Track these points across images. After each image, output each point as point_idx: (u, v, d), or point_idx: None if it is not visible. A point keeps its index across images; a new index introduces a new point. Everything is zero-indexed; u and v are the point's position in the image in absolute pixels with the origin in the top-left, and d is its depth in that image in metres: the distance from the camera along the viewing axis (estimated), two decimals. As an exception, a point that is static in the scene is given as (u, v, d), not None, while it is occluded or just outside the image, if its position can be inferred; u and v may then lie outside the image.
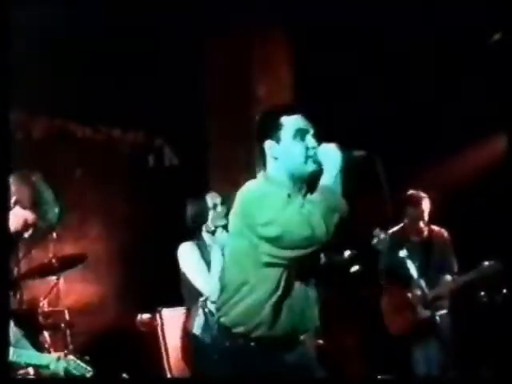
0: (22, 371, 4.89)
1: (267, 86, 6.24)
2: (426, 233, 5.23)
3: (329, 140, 2.83)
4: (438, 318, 4.85)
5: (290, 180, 2.84)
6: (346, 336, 6.49)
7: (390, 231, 5.29)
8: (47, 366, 3.65)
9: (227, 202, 4.16)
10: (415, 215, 5.17)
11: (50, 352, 4.91)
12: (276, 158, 2.84)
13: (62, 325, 5.26)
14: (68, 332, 5.21)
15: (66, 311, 5.33)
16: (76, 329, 5.32)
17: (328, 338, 6.29)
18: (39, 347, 5.05)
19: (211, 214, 4.23)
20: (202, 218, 4.22)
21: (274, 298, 2.73)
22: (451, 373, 4.90)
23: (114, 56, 5.95)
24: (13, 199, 3.22)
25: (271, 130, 2.84)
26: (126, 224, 6.26)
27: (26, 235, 3.40)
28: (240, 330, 2.78)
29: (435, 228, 5.28)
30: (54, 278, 5.45)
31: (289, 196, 2.72)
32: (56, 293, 5.48)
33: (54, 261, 5.32)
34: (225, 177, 6.08)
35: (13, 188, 3.22)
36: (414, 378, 5.14)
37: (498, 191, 5.72)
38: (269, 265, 2.71)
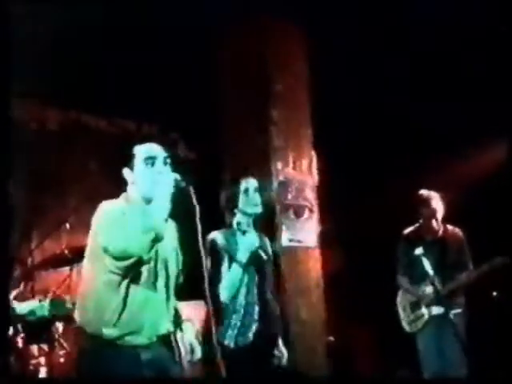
0: (33, 361, 4.96)
1: (283, 81, 6.21)
2: (440, 232, 5.28)
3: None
4: (452, 315, 4.84)
5: (143, 200, 3.16)
6: (358, 333, 6.48)
7: (406, 231, 5.34)
8: (33, 312, 3.71)
9: (263, 189, 4.15)
10: (428, 214, 5.21)
11: None
12: (132, 183, 3.21)
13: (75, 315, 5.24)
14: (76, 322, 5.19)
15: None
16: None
17: (339, 334, 6.32)
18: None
19: (241, 198, 4.01)
20: (232, 201, 4.04)
21: (114, 302, 3.04)
22: (464, 371, 4.87)
23: (131, 49, 5.93)
24: None
25: (127, 159, 3.22)
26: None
27: None
28: (91, 329, 3.08)
29: (450, 227, 5.32)
30: (67, 268, 5.44)
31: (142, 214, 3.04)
32: (68, 283, 5.47)
33: (66, 251, 5.32)
34: (239, 170, 6.05)
35: None
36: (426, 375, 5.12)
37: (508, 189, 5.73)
38: (110, 272, 3.05)
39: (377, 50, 6.13)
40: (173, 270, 3.25)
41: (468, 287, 5.16)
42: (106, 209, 3.15)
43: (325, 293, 6.00)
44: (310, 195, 6.04)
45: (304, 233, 5.96)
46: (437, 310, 5.01)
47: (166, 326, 3.17)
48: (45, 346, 5.08)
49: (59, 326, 5.19)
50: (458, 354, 4.75)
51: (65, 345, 5.20)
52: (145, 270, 3.09)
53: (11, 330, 4.81)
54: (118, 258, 3.00)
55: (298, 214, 5.91)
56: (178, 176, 3.09)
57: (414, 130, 6.33)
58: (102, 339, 3.04)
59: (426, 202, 5.21)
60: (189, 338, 3.34)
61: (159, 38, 5.94)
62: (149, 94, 6.07)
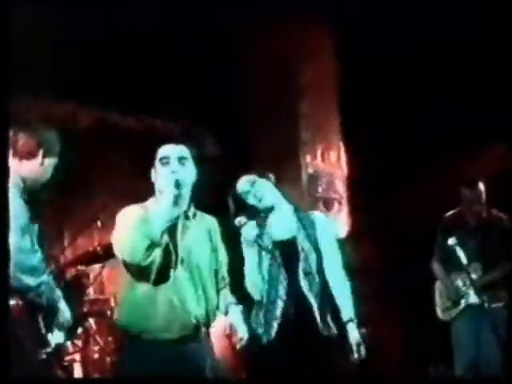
0: (68, 357, 5.01)
1: (309, 74, 6.20)
2: (483, 217, 5.10)
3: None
4: (490, 308, 4.72)
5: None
6: (391, 325, 6.45)
7: (445, 218, 5.21)
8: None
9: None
10: (471, 198, 5.07)
11: None
12: (154, 184, 3.21)
13: (108, 312, 5.29)
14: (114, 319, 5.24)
15: (112, 299, 5.37)
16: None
17: (371, 326, 6.29)
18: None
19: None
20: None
21: (139, 302, 3.10)
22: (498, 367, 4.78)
23: (156, 45, 5.95)
24: (41, 152, 3.24)
25: (154, 162, 3.23)
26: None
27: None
28: (131, 329, 3.12)
29: (494, 212, 5.13)
30: (99, 265, 5.49)
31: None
32: (101, 281, 5.52)
33: (99, 249, 5.37)
34: (265, 165, 6.06)
35: (36, 140, 3.25)
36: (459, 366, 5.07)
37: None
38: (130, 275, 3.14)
39: (405, 39, 6.08)
40: (204, 263, 3.22)
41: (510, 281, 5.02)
42: (124, 213, 3.21)
43: (354, 285, 5.97)
44: (340, 187, 6.04)
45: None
46: (473, 299, 4.87)
47: (196, 317, 3.14)
48: (79, 342, 5.13)
49: (92, 321, 5.24)
50: (493, 349, 4.65)
51: (99, 340, 5.25)
52: (164, 268, 3.08)
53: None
54: (124, 265, 3.12)
55: (328, 206, 5.92)
56: (181, 177, 3.08)
57: (446, 117, 6.23)
58: (135, 336, 3.10)
59: (471, 184, 5.05)
60: (232, 320, 3.29)
61: (184, 33, 5.95)
62: (176, 91, 6.08)
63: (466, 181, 5.09)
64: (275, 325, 3.63)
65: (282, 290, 3.66)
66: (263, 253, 3.72)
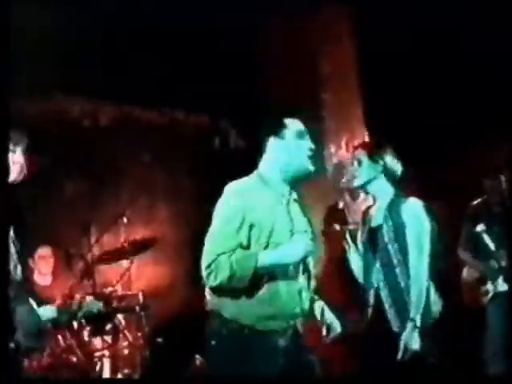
0: (97, 353, 5.05)
1: (331, 63, 6.14)
2: (507, 205, 5.04)
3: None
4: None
5: (283, 179, 3.04)
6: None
7: (470, 206, 5.18)
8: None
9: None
10: (493, 188, 5.04)
11: None
12: (279, 154, 3.02)
13: (137, 307, 5.31)
14: (143, 314, 5.27)
15: (141, 294, 5.39)
16: (149, 311, 5.38)
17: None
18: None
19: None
20: None
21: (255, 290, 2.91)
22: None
23: (178, 40, 5.95)
24: None
25: (275, 128, 3.05)
26: (194, 206, 6.28)
27: None
28: (228, 313, 2.92)
29: None
30: (126, 262, 5.52)
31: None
32: (129, 276, 5.55)
33: (125, 245, 5.40)
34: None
35: None
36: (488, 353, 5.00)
37: None
38: None
39: (427, 27, 6.00)
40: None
41: None
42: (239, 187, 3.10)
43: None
44: (365, 176, 5.98)
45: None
46: (503, 286, 4.85)
47: (303, 307, 3.04)
48: (108, 338, 5.16)
49: (121, 317, 5.27)
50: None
51: (128, 336, 5.28)
52: None
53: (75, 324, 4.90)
54: None
55: (354, 196, 5.86)
56: None
57: (471, 106, 6.14)
58: (239, 324, 2.92)
59: (492, 174, 5.04)
60: (326, 315, 3.20)
61: (206, 28, 5.93)
62: (198, 83, 6.06)
63: (488, 171, 5.07)
64: (369, 312, 3.55)
65: (374, 278, 3.58)
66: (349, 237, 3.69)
